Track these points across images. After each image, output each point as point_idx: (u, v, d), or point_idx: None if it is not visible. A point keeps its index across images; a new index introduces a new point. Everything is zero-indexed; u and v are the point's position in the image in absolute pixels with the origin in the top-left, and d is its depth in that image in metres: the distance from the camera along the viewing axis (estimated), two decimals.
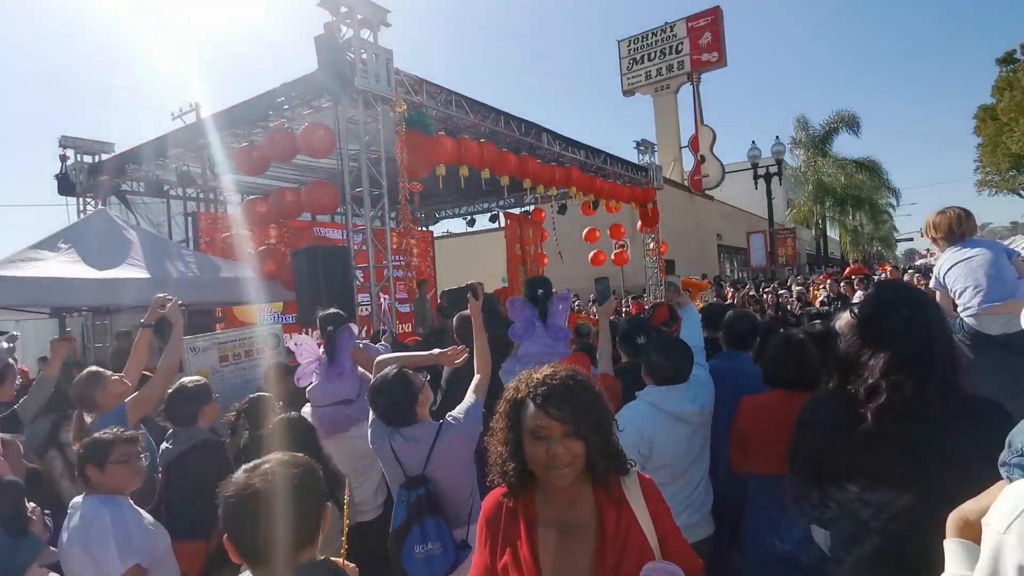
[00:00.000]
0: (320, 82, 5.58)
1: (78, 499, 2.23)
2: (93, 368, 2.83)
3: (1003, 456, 0.99)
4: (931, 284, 2.80)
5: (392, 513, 2.12)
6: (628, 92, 21.08)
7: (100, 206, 8.57)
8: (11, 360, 2.78)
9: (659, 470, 2.19)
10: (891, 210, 33.02)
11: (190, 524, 2.58)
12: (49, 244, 5.56)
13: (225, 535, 1.14)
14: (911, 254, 52.89)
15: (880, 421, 1.34)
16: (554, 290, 3.38)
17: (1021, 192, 32.32)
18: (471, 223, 14.25)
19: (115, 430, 2.32)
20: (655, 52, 20.20)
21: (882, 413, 1.34)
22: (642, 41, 20.55)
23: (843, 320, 2.07)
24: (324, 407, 2.86)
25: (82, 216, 8.57)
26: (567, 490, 1.26)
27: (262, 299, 6.02)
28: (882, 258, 38.83)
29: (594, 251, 11.39)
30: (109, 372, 2.82)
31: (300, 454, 1.33)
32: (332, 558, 1.36)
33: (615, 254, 11.45)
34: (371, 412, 2.25)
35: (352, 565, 1.42)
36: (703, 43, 19.13)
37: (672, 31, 19.84)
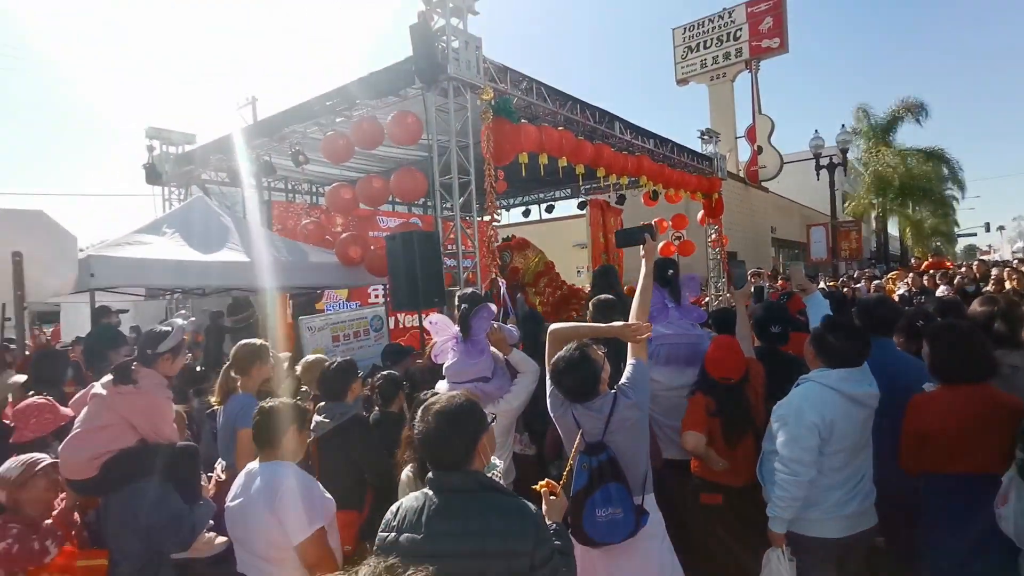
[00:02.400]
0: (410, 70, 5.66)
1: (254, 464, 2.33)
2: (264, 342, 3.00)
3: None
4: None
5: (573, 478, 2.16)
6: (682, 81, 20.66)
7: (183, 194, 8.94)
8: (184, 337, 2.94)
9: (837, 454, 2.16)
10: (954, 203, 31.53)
11: (343, 495, 2.67)
12: (153, 229, 5.82)
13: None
14: (971, 250, 50.34)
15: None
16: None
17: None
18: (526, 213, 14.29)
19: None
20: (712, 39, 19.71)
21: None
22: (698, 28, 20.08)
23: None
24: (462, 383, 2.90)
25: (167, 204, 8.96)
26: None
27: (350, 283, 6.16)
28: (940, 254, 37.14)
29: (662, 242, 11.24)
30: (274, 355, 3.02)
31: (462, 394, 1.73)
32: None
33: (680, 244, 11.29)
34: (549, 385, 2.29)
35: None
36: (764, 28, 18.55)
37: (731, 17, 19.31)
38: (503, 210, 14.68)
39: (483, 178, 5.81)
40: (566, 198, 13.71)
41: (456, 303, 3.05)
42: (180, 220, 5.82)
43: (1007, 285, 8.16)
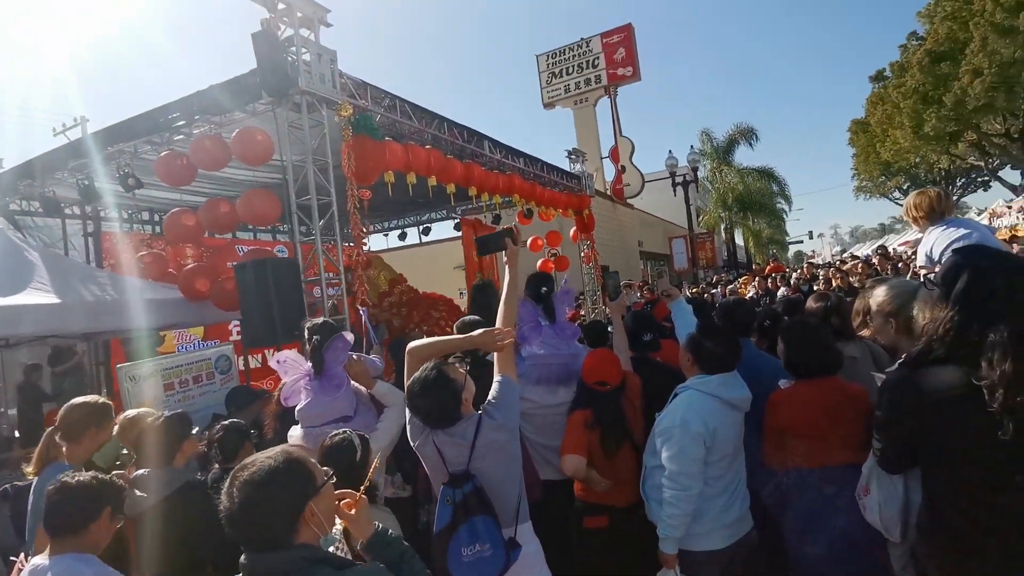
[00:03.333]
0: (257, 83, 5.15)
1: (41, 560, 1.83)
2: (107, 401, 2.45)
3: None
4: (920, 262, 2.94)
5: (436, 515, 1.93)
6: (548, 105, 21.56)
7: None
8: None
9: (718, 461, 2.12)
10: (784, 215, 36.06)
11: None
12: None
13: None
14: (799, 255, 58.01)
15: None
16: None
17: (889, 196, 36.41)
18: (402, 236, 13.88)
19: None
20: (573, 66, 20.84)
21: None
22: (560, 56, 21.14)
23: (881, 296, 2.08)
24: (319, 427, 2.54)
25: None
26: None
27: (198, 321, 5.41)
28: (777, 259, 42.12)
29: (540, 260, 11.41)
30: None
31: (280, 453, 1.36)
32: None
33: (556, 260, 11.53)
34: (408, 413, 2.04)
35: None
36: (618, 58, 19.98)
37: (588, 46, 20.57)
38: (381, 234, 14.14)
39: (346, 199, 5.43)
40: (442, 220, 13.51)
41: (306, 336, 2.69)
42: None
43: (833, 283, 9.30)
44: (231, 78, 5.29)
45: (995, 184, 27.38)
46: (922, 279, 1.97)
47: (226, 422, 2.74)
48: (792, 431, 2.22)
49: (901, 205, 37.05)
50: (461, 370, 2.09)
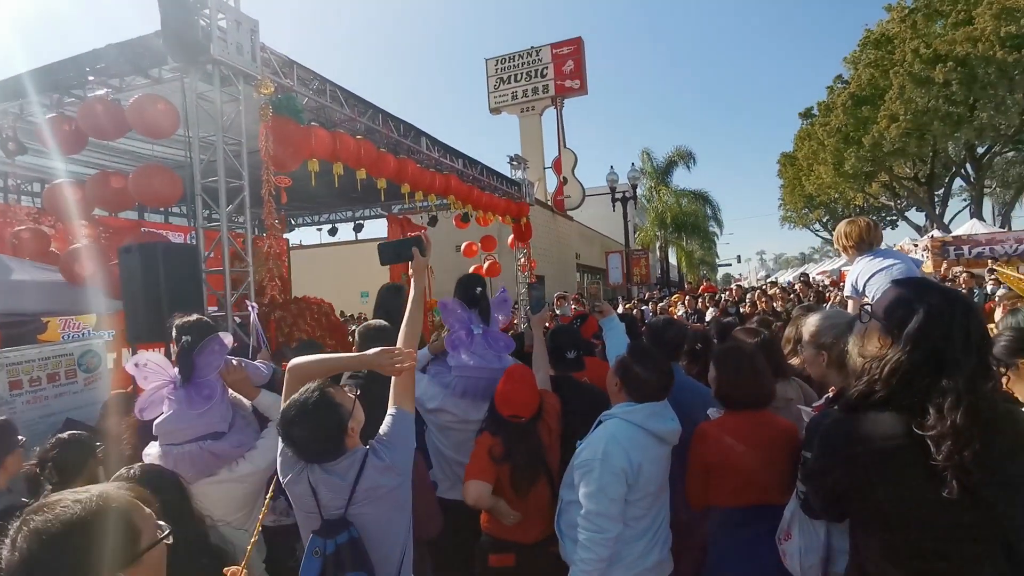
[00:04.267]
0: (162, 46, 4.60)
1: None
2: None
3: None
4: (846, 292, 2.89)
5: (301, 568, 1.62)
6: (495, 110, 21.42)
7: None
8: None
9: (640, 500, 1.90)
10: (715, 238, 37.65)
11: None
12: None
13: None
14: (727, 278, 61.03)
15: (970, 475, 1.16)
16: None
17: (810, 228, 38.75)
18: (332, 232, 13.24)
19: None
20: (522, 74, 20.82)
21: (973, 463, 1.15)
22: (509, 62, 21.08)
23: (814, 326, 1.94)
24: (182, 444, 2.14)
25: None
26: None
27: (83, 308, 4.77)
28: (708, 280, 43.87)
29: (473, 266, 11.11)
30: None
31: (94, 496, 0.97)
32: None
33: (487, 265, 11.29)
34: (280, 443, 1.71)
35: None
36: (566, 70, 20.13)
37: (538, 55, 20.62)
38: (313, 228, 13.43)
39: (260, 184, 4.95)
40: (377, 217, 13.00)
41: (174, 335, 2.28)
42: None
43: (759, 306, 9.57)
44: (132, 38, 4.71)
45: (902, 223, 29.63)
46: (858, 310, 1.85)
47: (67, 433, 2.29)
48: (719, 466, 2.04)
49: (821, 237, 39.55)
50: (351, 394, 1.78)
